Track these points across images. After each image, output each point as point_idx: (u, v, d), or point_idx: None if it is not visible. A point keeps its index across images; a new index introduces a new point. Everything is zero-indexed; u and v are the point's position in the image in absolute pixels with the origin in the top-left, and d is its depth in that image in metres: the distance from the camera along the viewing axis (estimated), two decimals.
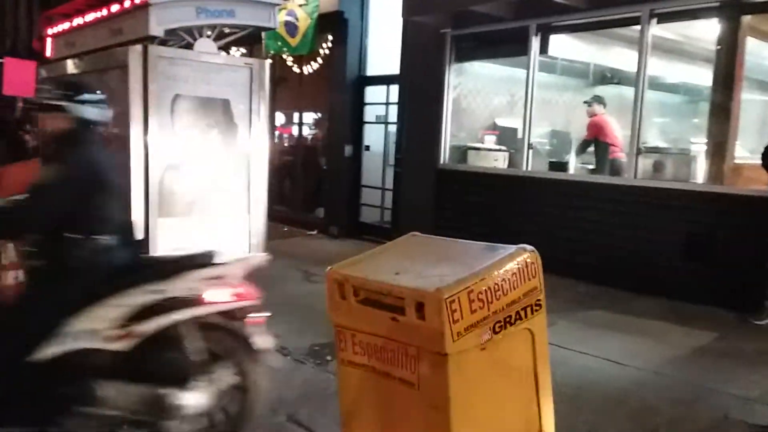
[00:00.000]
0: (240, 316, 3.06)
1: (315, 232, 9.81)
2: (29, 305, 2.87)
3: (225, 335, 3.04)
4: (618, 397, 3.92)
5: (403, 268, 2.43)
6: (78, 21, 5.46)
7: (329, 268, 2.61)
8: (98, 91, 3.02)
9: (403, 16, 8.40)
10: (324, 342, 4.77)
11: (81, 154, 2.95)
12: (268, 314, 3.09)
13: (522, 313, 2.32)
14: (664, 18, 6.31)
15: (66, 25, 5.70)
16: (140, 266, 3.02)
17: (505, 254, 2.32)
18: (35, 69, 5.89)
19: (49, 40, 12.37)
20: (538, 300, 2.36)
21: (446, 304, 2.13)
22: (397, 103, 8.93)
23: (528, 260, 2.33)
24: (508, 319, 2.28)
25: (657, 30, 6.38)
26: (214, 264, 3.01)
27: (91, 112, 2.98)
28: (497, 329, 2.26)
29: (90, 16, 5.14)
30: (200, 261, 2.99)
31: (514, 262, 2.30)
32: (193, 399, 2.87)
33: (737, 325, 5.30)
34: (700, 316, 5.45)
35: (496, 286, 2.24)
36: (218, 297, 2.96)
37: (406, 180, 8.70)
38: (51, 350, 2.72)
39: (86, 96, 2.98)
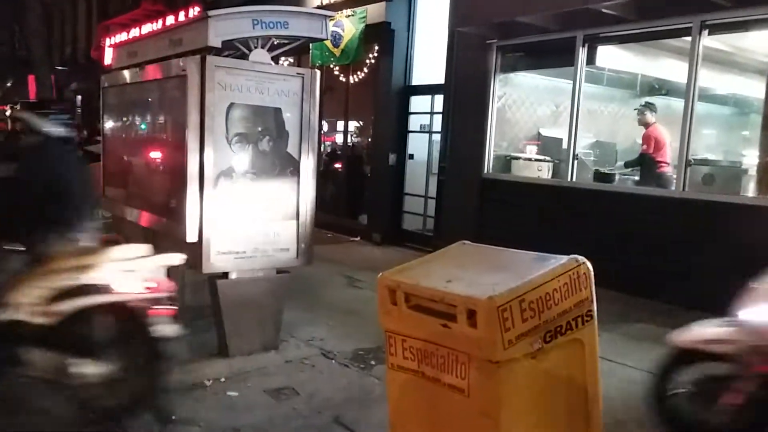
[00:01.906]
0: (148, 306, 3.50)
1: (358, 239, 9.93)
2: None
3: (130, 320, 3.51)
4: None
5: (455, 276, 2.49)
6: (138, 32, 5.68)
7: (381, 274, 2.68)
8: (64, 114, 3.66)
9: (449, 26, 8.48)
10: (368, 347, 4.85)
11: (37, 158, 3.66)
12: (176, 308, 3.58)
13: (573, 324, 2.36)
14: (716, 29, 6.23)
15: (127, 36, 5.93)
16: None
17: (556, 264, 2.36)
18: (54, 81, 6.31)
19: (109, 50, 12.80)
20: (589, 311, 2.39)
21: (498, 312, 2.19)
22: (442, 113, 8.98)
23: (580, 271, 2.36)
24: (558, 329, 2.32)
25: (708, 41, 6.29)
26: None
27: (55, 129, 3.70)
28: (548, 339, 2.30)
29: (148, 27, 5.38)
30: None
31: (566, 273, 2.34)
32: (95, 369, 3.41)
33: None
34: None
35: (547, 296, 2.28)
36: (128, 287, 3.48)
37: (449, 189, 8.74)
38: None
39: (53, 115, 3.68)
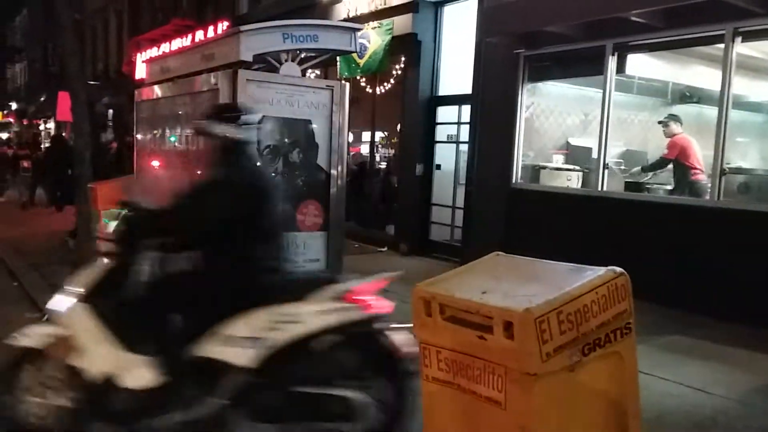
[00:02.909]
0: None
1: (385, 249, 9.92)
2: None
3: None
4: (702, 425, 3.80)
5: (490, 287, 2.47)
6: (170, 47, 5.80)
7: (416, 285, 2.68)
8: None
9: (477, 37, 8.49)
10: None
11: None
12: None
13: (611, 336, 2.32)
14: (749, 36, 6.12)
15: (161, 51, 6.06)
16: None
17: (594, 276, 2.33)
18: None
19: (140, 65, 13.06)
20: (628, 323, 2.36)
21: (536, 324, 2.16)
22: (469, 123, 8.97)
23: (618, 282, 2.33)
24: (597, 342, 2.28)
25: (741, 48, 6.19)
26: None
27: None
28: (586, 351, 2.26)
29: (178, 42, 5.50)
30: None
31: (604, 284, 2.31)
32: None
33: None
34: None
35: (585, 308, 2.25)
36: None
37: (477, 199, 8.70)
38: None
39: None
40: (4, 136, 36.08)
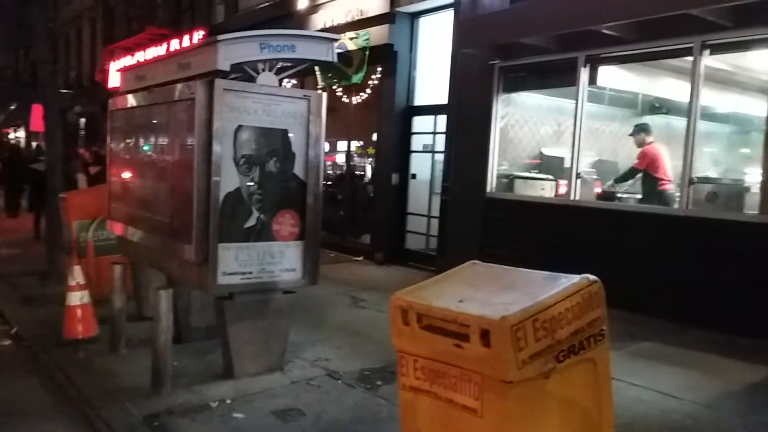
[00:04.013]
0: None
1: (361, 258, 9.93)
2: None
3: None
4: (672, 430, 3.87)
5: (467, 296, 2.49)
6: (144, 55, 5.77)
7: (393, 294, 2.69)
8: None
9: (452, 48, 8.58)
10: (374, 367, 4.83)
11: None
12: None
13: (585, 343, 2.36)
14: (717, 49, 6.29)
15: (134, 60, 6.01)
16: None
17: (569, 284, 2.37)
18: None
19: (114, 73, 12.92)
20: (602, 330, 2.40)
21: (512, 332, 2.19)
22: (445, 133, 9.05)
23: (592, 290, 2.37)
24: (572, 349, 2.32)
25: (709, 60, 6.36)
26: None
27: None
28: (561, 358, 2.30)
29: (153, 51, 5.46)
30: None
31: (579, 292, 2.34)
32: None
33: None
34: (758, 351, 5.32)
35: (560, 316, 2.29)
36: None
37: (452, 208, 8.76)
38: None
39: None
40: None
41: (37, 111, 15.69)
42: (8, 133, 35.21)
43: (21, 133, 31.83)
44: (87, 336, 5.31)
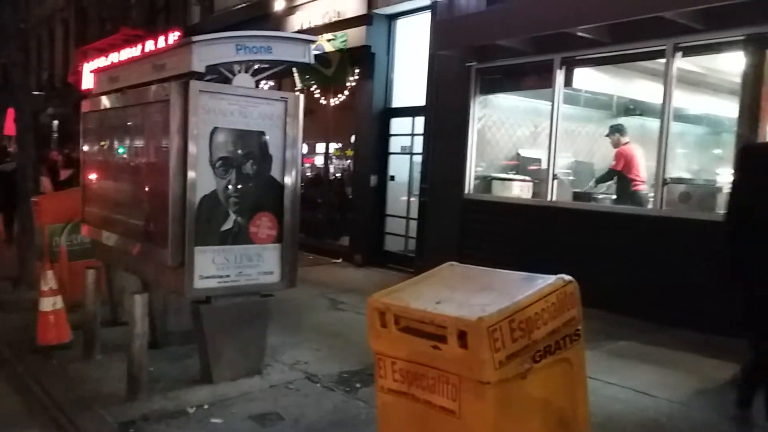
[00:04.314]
0: None
1: (340, 261, 9.91)
2: None
3: None
4: (647, 427, 3.92)
5: (444, 297, 2.50)
6: (118, 56, 5.69)
7: (371, 296, 2.69)
8: None
9: (430, 50, 8.60)
10: (353, 369, 4.82)
11: None
12: None
13: (561, 343, 2.38)
14: (689, 51, 6.40)
15: (108, 61, 5.92)
16: None
17: (544, 284, 2.39)
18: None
19: (87, 75, 12.71)
20: (577, 330, 2.42)
21: (488, 333, 2.20)
22: (423, 135, 9.07)
23: (567, 290, 2.39)
24: (548, 349, 2.34)
25: (681, 63, 6.46)
26: None
27: None
28: (537, 358, 2.31)
29: (127, 52, 5.39)
30: None
31: (554, 292, 2.36)
32: None
33: None
34: (732, 349, 5.39)
35: (536, 316, 2.30)
36: None
37: (431, 209, 8.79)
38: None
39: None
40: None
41: (10, 114, 15.43)
42: None
43: None
44: (60, 342, 5.21)
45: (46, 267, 5.43)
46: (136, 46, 13.85)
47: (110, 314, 5.75)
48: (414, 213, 9.34)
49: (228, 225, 4.53)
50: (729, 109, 6.69)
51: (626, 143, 7.38)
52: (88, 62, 16.06)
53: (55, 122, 24.26)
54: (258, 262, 4.66)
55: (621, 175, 7.35)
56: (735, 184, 4.04)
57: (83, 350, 5.08)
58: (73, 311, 5.41)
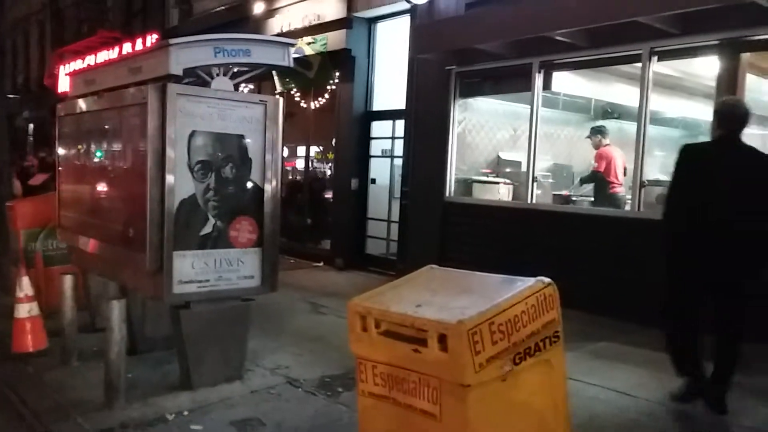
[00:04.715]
0: None
1: (321, 264, 9.88)
2: None
3: None
4: (629, 428, 3.95)
5: (424, 301, 2.50)
6: (95, 59, 5.63)
7: (351, 300, 2.68)
8: None
9: (409, 53, 8.62)
10: (335, 374, 4.80)
11: None
12: None
13: (541, 345, 2.39)
14: (665, 56, 6.49)
15: (85, 64, 5.85)
16: None
17: (524, 286, 2.40)
18: None
19: (64, 77, 12.55)
20: (557, 332, 2.43)
21: (469, 335, 2.20)
22: (403, 138, 9.08)
23: (546, 292, 2.40)
24: (527, 351, 2.35)
25: (658, 67, 6.55)
26: None
27: None
28: (517, 360, 2.32)
29: (104, 55, 5.32)
30: None
31: (534, 294, 2.38)
32: None
33: (751, 357, 5.30)
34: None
35: (516, 318, 2.31)
36: None
37: (412, 212, 8.80)
38: None
39: None
40: None
41: None
42: None
43: None
44: (37, 349, 5.13)
45: (22, 273, 5.34)
46: (113, 49, 13.68)
47: (88, 320, 5.67)
48: (395, 216, 9.35)
49: (207, 229, 4.50)
50: (705, 112, 6.79)
51: (606, 145, 7.46)
52: (64, 65, 15.84)
53: (31, 126, 23.91)
54: (238, 267, 4.63)
55: (601, 176, 7.43)
56: (673, 183, 4.30)
57: (60, 357, 5.00)
58: (49, 318, 5.33)
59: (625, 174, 7.35)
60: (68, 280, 5.04)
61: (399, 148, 9.32)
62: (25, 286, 5.18)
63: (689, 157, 4.23)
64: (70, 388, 4.50)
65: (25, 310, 5.15)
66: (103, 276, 5.35)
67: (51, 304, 5.59)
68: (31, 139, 23.60)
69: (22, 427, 4.02)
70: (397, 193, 9.31)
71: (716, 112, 4.45)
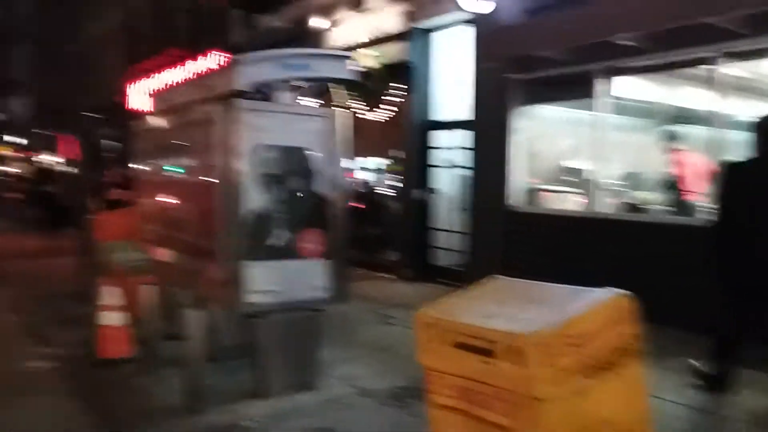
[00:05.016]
0: None
1: (388, 275, 9.94)
2: None
3: None
4: None
5: (493, 312, 2.51)
6: (166, 77, 5.92)
7: (419, 311, 2.72)
8: None
9: (474, 62, 8.63)
10: (405, 385, 4.81)
11: None
12: None
13: (617, 358, 2.36)
14: (736, 57, 6.26)
15: (155, 82, 6.16)
16: None
17: (596, 298, 2.37)
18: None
19: (135, 95, 13.14)
20: (632, 345, 2.39)
21: (540, 347, 2.21)
22: (466, 147, 9.08)
23: (621, 304, 2.37)
24: (602, 364, 2.32)
25: (729, 69, 6.32)
26: None
27: None
28: (591, 374, 2.30)
29: (173, 72, 5.57)
30: None
31: (607, 306, 2.35)
32: None
33: None
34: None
35: (588, 330, 2.29)
36: None
37: (475, 223, 8.77)
38: None
39: None
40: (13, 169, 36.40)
41: (66, 139, 16.12)
42: (32, 157, 36.22)
43: (48, 157, 32.56)
44: (121, 356, 5.38)
45: (106, 283, 5.63)
46: (181, 67, 14.22)
47: (168, 329, 5.91)
48: (460, 226, 9.33)
49: (276, 240, 4.63)
50: None
51: (681, 150, 7.20)
52: (134, 83, 16.56)
53: (108, 143, 25.11)
54: (307, 278, 4.74)
55: (677, 183, 7.17)
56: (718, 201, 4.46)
57: (143, 364, 5.25)
58: (133, 326, 5.59)
59: (707, 180, 7.07)
60: (148, 290, 5.29)
61: (462, 157, 9.31)
62: (112, 296, 5.46)
63: (731, 174, 4.36)
64: (153, 393, 4.72)
65: (110, 318, 5.42)
66: (180, 286, 5.59)
67: (134, 313, 5.87)
68: (110, 155, 24.78)
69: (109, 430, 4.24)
70: (462, 203, 9.30)
71: (759, 127, 4.34)
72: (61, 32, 27.16)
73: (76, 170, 20.83)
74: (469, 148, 8.97)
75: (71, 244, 8.96)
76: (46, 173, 19.47)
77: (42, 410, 4.66)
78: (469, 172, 8.98)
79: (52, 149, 31.21)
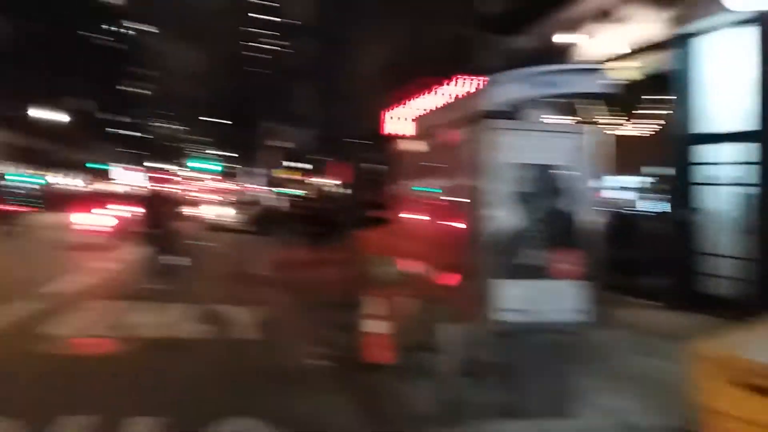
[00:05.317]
0: None
1: (648, 302, 9.10)
2: None
3: None
4: None
5: None
6: (417, 103, 6.28)
7: (696, 344, 2.41)
8: None
9: (754, 67, 7.57)
10: (677, 426, 4.26)
11: None
12: None
13: None
14: None
15: (407, 108, 6.56)
16: None
17: None
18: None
19: (390, 121, 14.20)
20: None
21: None
22: (749, 162, 7.91)
23: None
24: None
25: None
26: None
27: None
28: None
29: (429, 98, 5.88)
30: None
31: None
32: None
33: None
34: None
35: None
36: None
37: (764, 248, 7.56)
38: None
39: None
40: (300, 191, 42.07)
41: (337, 164, 17.96)
42: (308, 180, 41.62)
43: (324, 180, 36.90)
44: (384, 362, 5.72)
45: (371, 293, 6.09)
46: (433, 92, 14.89)
47: (424, 340, 6.14)
48: (736, 251, 8.14)
49: (528, 259, 4.55)
50: None
51: None
52: (389, 110, 17.82)
53: (373, 166, 27.52)
54: (560, 299, 4.57)
55: None
56: None
57: (401, 372, 5.51)
58: (393, 335, 5.91)
59: None
60: (407, 303, 5.57)
61: (741, 173, 8.13)
62: (376, 305, 5.88)
63: None
64: (410, 400, 4.94)
65: (374, 326, 5.84)
66: (435, 301, 5.79)
67: (395, 323, 6.21)
68: (372, 177, 27.12)
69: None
70: (740, 225, 8.12)
71: None
72: (336, 71, 30.87)
73: (348, 191, 23.32)
74: (754, 162, 7.79)
75: (340, 257, 9.82)
76: (326, 194, 21.92)
77: (322, 404, 5.16)
78: (752, 190, 7.79)
79: (326, 173, 35.50)
